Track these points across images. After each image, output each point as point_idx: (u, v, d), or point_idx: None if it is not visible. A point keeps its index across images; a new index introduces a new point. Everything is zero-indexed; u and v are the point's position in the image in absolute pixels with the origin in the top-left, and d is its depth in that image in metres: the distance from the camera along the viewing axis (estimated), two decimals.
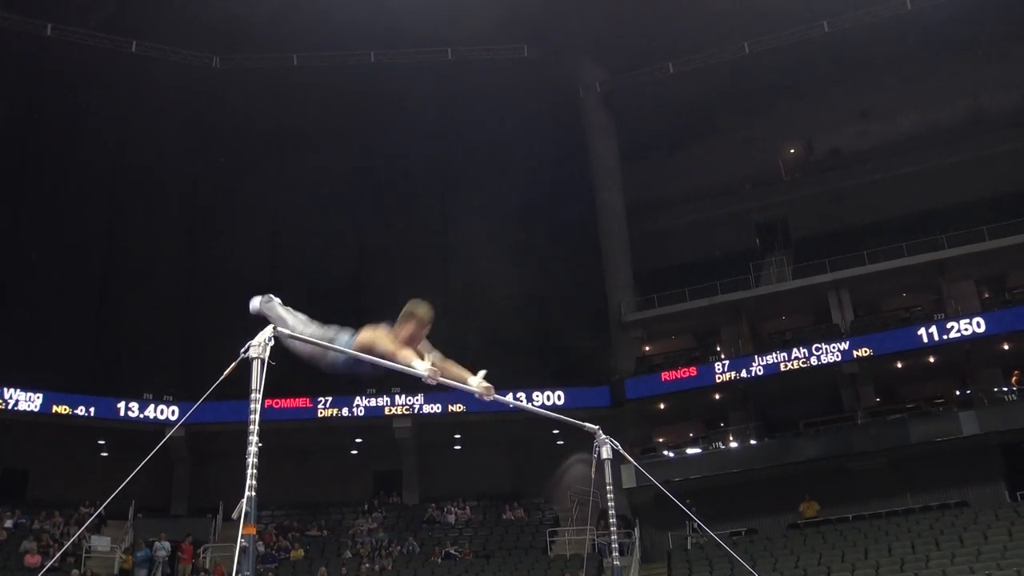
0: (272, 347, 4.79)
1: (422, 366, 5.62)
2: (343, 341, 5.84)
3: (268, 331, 4.82)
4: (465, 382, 6.01)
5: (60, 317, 29.99)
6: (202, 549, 25.03)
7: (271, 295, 6.24)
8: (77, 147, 30.85)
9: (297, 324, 5.96)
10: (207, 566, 24.09)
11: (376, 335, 5.79)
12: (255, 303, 6.21)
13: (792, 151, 35.92)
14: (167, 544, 24.75)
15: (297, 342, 5.46)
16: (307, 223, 32.71)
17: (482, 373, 6.05)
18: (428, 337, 5.99)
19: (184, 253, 32.77)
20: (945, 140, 32.30)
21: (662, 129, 34.55)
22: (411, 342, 5.82)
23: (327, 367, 6.00)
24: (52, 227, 30.39)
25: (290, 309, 6.15)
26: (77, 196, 31.10)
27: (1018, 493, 24.26)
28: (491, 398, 6.00)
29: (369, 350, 5.70)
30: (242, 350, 4.77)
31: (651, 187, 34.23)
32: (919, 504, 24.59)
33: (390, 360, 5.61)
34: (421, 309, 5.90)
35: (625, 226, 32.70)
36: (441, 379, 5.68)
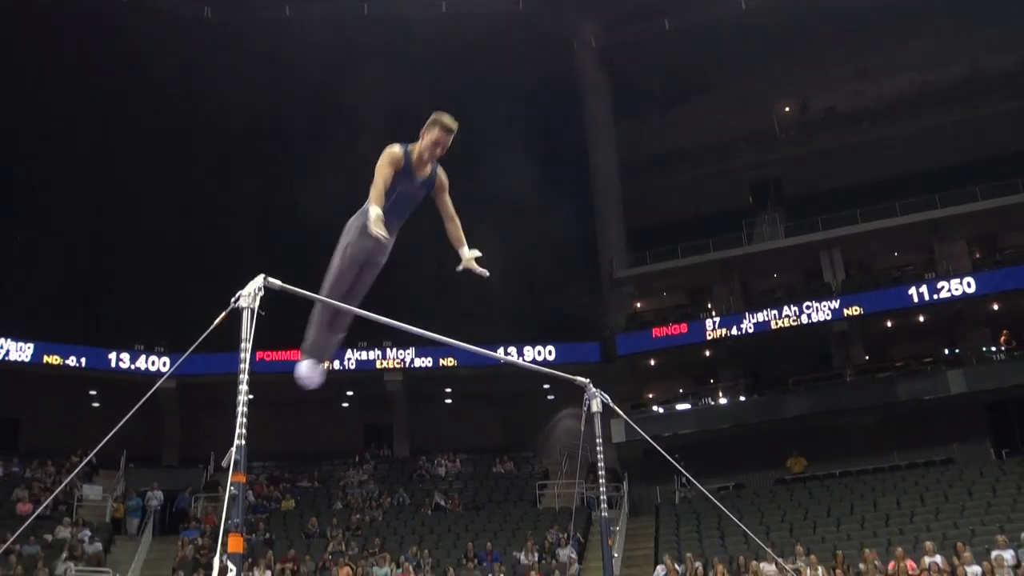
0: (263, 297, 4.78)
1: (374, 212, 5.49)
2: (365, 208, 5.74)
3: (258, 281, 4.81)
4: (458, 248, 5.99)
5: (51, 267, 29.91)
6: (192, 499, 25.18)
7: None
8: (67, 97, 30.56)
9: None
10: (198, 515, 24.24)
11: (383, 156, 5.72)
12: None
13: (787, 110, 35.76)
14: (159, 493, 24.90)
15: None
16: (301, 174, 32.51)
17: (475, 253, 6.03)
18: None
19: (176, 203, 32.60)
20: (940, 101, 32.15)
21: (657, 86, 34.36)
22: (432, 150, 5.76)
23: (370, 256, 5.95)
24: (41, 177, 30.17)
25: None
26: (66, 146, 30.86)
27: (1003, 451, 24.54)
28: (479, 272, 6.00)
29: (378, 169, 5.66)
30: (232, 300, 4.77)
31: (645, 144, 34.09)
32: (905, 461, 24.85)
33: (376, 182, 5.60)
34: (446, 117, 5.76)
35: (618, 183, 32.64)
36: (380, 233, 5.52)
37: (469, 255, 6.00)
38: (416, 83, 32.05)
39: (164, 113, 32.26)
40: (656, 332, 28.60)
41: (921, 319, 27.70)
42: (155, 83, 31.38)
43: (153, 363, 28.10)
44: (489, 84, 31.28)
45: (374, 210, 5.47)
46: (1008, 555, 16.47)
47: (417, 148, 5.76)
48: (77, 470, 10.71)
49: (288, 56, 31.44)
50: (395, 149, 5.73)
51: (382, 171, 5.66)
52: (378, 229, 5.39)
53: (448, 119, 5.73)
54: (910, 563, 16.96)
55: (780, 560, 16.57)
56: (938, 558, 16.82)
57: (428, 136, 5.72)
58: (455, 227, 6.04)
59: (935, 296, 26.27)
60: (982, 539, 17.94)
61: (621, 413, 9.08)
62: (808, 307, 27.08)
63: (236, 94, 32.27)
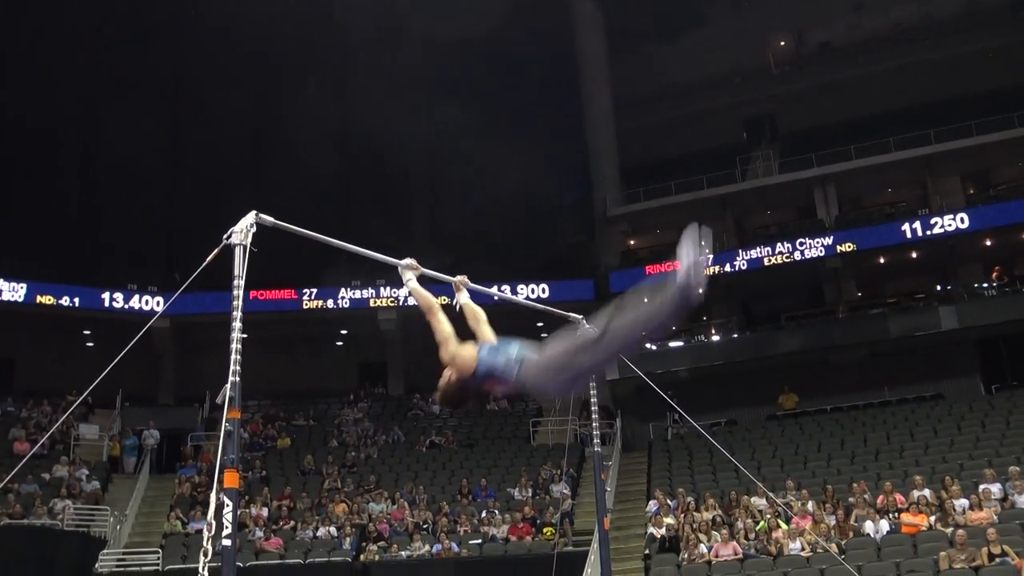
0: (255, 235, 4.76)
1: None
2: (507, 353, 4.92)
3: (250, 217, 4.80)
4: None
5: (43, 207, 29.75)
6: (189, 437, 25.35)
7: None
8: (54, 38, 30.14)
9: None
10: (194, 454, 24.42)
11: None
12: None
13: (782, 44, 35.39)
14: (156, 432, 25.04)
15: None
16: (292, 115, 32.22)
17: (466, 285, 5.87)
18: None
19: (167, 141, 32.33)
20: (937, 34, 31.87)
21: (650, 21, 33.92)
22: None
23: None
24: (30, 116, 29.85)
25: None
26: (55, 85, 30.52)
27: (993, 386, 24.73)
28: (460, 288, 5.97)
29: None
30: (224, 236, 4.75)
31: (638, 80, 33.77)
32: (896, 397, 25.05)
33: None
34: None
35: (611, 119, 32.41)
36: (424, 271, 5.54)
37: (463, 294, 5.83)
38: (405, 23, 31.71)
39: (152, 48, 31.83)
40: (650, 269, 28.58)
41: (914, 255, 27.76)
42: (143, 16, 30.90)
43: (147, 302, 28.05)
44: (480, 20, 30.85)
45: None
46: (995, 488, 16.67)
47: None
48: (72, 409, 10.75)
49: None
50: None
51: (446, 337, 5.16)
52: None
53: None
54: (899, 497, 17.17)
55: (771, 494, 16.77)
56: (927, 492, 17.02)
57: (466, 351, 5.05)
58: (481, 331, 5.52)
59: (928, 232, 26.28)
60: (970, 473, 18.14)
61: None
62: (801, 243, 27.08)
63: (224, 26, 31.77)
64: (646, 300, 4.35)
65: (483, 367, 4.81)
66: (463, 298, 5.53)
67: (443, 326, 5.18)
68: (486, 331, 5.34)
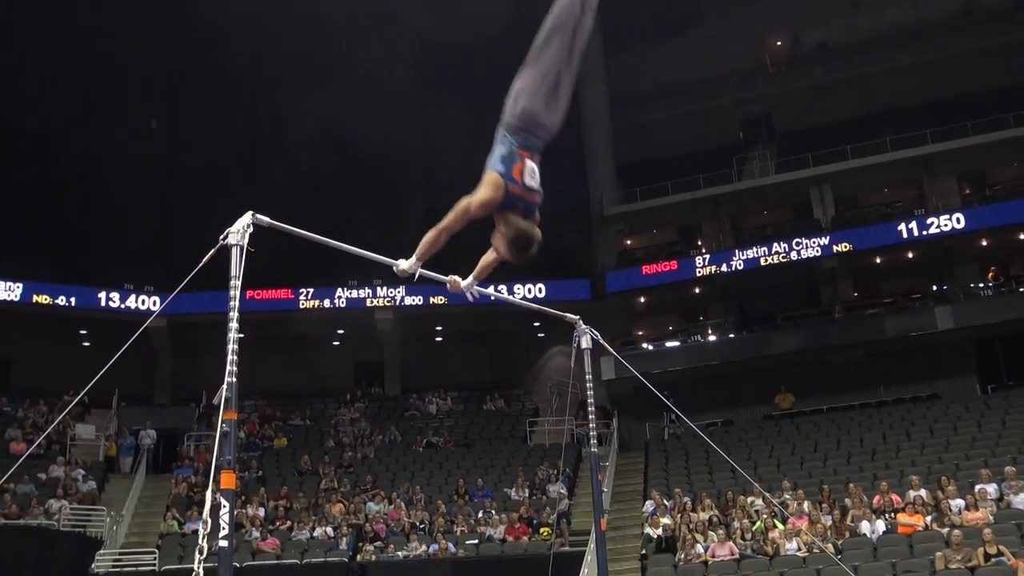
0: (253, 236, 4.76)
1: (405, 264, 5.45)
2: (502, 151, 5.22)
3: (247, 218, 4.79)
4: (473, 275, 5.80)
5: (39, 206, 29.69)
6: (185, 437, 25.33)
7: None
8: (50, 39, 30.07)
9: (544, 72, 5.23)
10: (191, 454, 24.41)
11: (480, 192, 5.16)
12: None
13: (779, 44, 35.40)
14: (152, 432, 25.01)
15: None
16: (289, 115, 32.17)
17: (476, 290, 5.96)
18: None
19: (163, 140, 32.28)
20: (934, 34, 31.89)
21: (648, 20, 33.92)
22: (497, 248, 5.34)
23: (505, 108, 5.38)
24: (27, 116, 29.80)
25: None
26: (51, 85, 30.47)
27: (989, 386, 24.76)
28: (453, 291, 5.97)
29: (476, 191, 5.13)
30: (221, 237, 4.75)
31: (635, 80, 33.81)
32: (892, 397, 25.10)
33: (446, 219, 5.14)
34: (531, 248, 5.26)
35: (608, 119, 32.42)
36: (422, 272, 5.58)
37: (469, 283, 5.88)
38: (403, 33, 31.67)
39: (148, 49, 31.80)
40: (646, 269, 28.64)
41: (910, 255, 27.77)
42: (139, 19, 30.87)
43: (143, 302, 28.05)
44: (475, 19, 30.84)
45: (404, 263, 5.39)
46: (991, 489, 16.69)
47: (500, 227, 5.23)
48: (69, 409, 10.74)
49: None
50: (495, 193, 5.09)
51: (462, 211, 5.11)
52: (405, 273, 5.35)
53: (532, 245, 5.23)
54: (895, 497, 17.18)
55: (767, 494, 16.78)
56: (923, 492, 17.04)
57: (498, 240, 5.27)
58: (487, 270, 5.73)
59: (924, 232, 26.31)
60: (966, 473, 18.16)
61: (611, 350, 9.14)
62: (798, 244, 27.11)
63: (221, 27, 31.75)
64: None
65: (497, 167, 5.11)
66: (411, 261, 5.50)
67: (456, 213, 5.13)
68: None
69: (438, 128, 32.57)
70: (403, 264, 5.44)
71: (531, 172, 5.26)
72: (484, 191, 5.05)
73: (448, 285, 5.91)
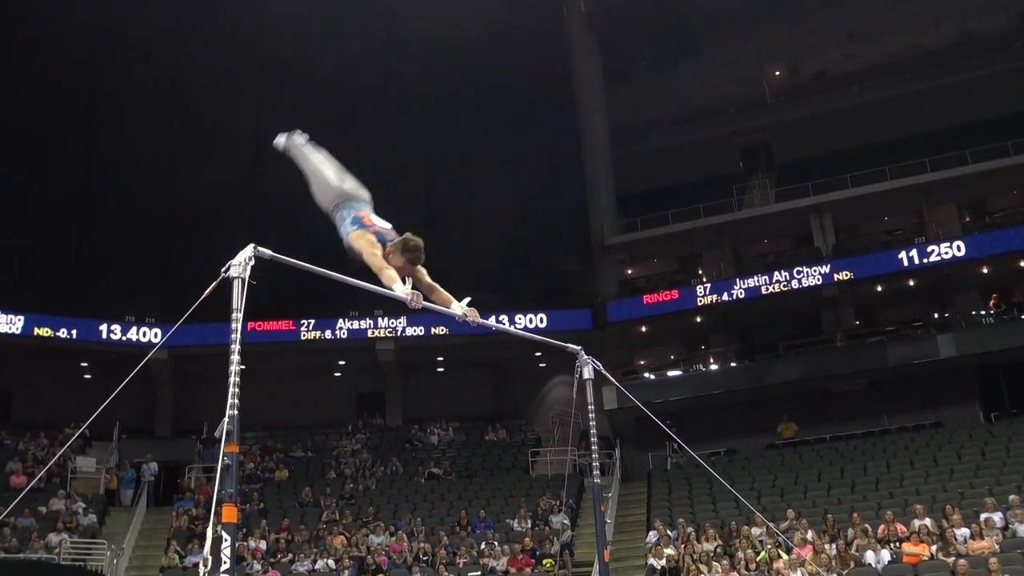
0: (253, 267, 4.76)
1: (401, 290, 5.63)
2: (347, 219, 6.27)
3: (248, 250, 4.80)
4: (449, 307, 6.05)
5: (40, 238, 29.77)
6: (187, 469, 25.23)
7: (298, 131, 6.76)
8: (55, 67, 30.27)
9: (320, 163, 6.64)
10: (191, 487, 24.30)
11: (364, 247, 5.92)
12: (280, 139, 6.90)
13: (777, 74, 35.64)
14: (154, 465, 24.92)
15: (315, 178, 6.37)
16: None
17: (466, 300, 6.07)
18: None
19: (165, 173, 32.37)
20: (931, 63, 32.12)
21: (646, 50, 34.17)
22: (405, 269, 5.89)
23: (326, 212, 6.50)
24: (28, 147, 29.95)
25: (317, 147, 6.76)
26: (53, 114, 30.61)
27: (992, 414, 24.68)
28: (476, 323, 6.05)
29: (359, 252, 5.92)
30: (223, 269, 4.75)
31: (635, 109, 33.97)
32: (895, 425, 25.01)
33: (374, 272, 5.73)
34: (417, 251, 5.95)
35: (608, 148, 32.53)
36: (424, 303, 5.68)
37: (463, 307, 6.14)
38: (403, 52, 31.88)
39: (152, 82, 32.00)
40: (647, 299, 28.62)
41: (911, 283, 27.77)
42: (141, 49, 31.07)
43: (144, 334, 28.02)
44: (478, 49, 31.07)
45: (400, 287, 5.72)
46: (997, 517, 16.60)
47: (388, 252, 5.97)
48: (70, 442, 10.70)
49: (276, 29, 31.18)
50: (371, 240, 5.98)
51: (376, 261, 5.86)
52: (415, 302, 5.70)
53: (418, 252, 5.97)
54: (900, 526, 17.09)
55: (771, 524, 16.69)
56: (927, 521, 16.94)
57: (395, 259, 5.93)
58: (440, 295, 6.20)
59: (925, 260, 26.31)
60: (971, 502, 18.07)
61: (613, 380, 9.13)
62: (799, 272, 27.11)
63: (223, 54, 31.98)
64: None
65: (351, 227, 6.25)
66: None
67: (375, 263, 5.90)
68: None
69: (440, 158, 32.70)
70: (397, 289, 5.70)
71: (375, 217, 6.30)
72: (363, 245, 5.95)
73: (470, 320, 6.16)
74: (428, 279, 6.14)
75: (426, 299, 5.92)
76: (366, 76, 32.90)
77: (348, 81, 33.14)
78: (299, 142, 6.65)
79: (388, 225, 6.23)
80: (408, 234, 6.05)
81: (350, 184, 6.45)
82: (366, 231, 6.00)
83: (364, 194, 6.45)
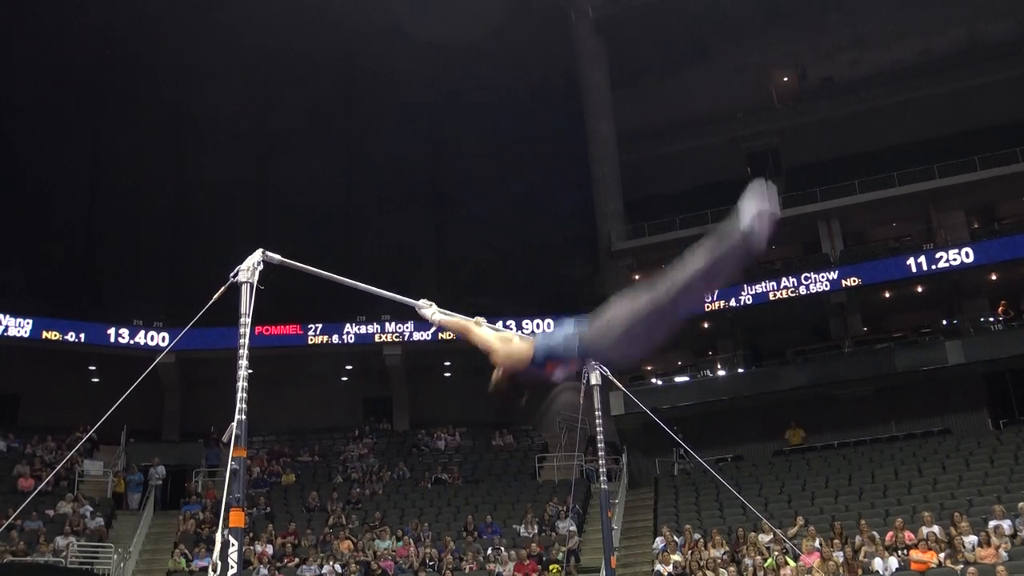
0: (261, 272, 4.77)
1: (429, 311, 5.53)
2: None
3: (257, 255, 4.80)
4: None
5: (49, 243, 29.86)
6: (193, 473, 25.26)
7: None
8: (63, 70, 30.38)
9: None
10: (199, 490, 24.33)
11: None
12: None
13: (785, 79, 35.60)
14: (162, 469, 24.95)
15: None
16: (297, 143, 32.30)
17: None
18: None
19: (172, 177, 32.46)
20: (939, 69, 32.07)
21: (654, 56, 34.19)
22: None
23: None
24: (36, 153, 30.04)
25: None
26: (62, 119, 30.72)
27: (1001, 421, 24.60)
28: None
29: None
30: (231, 274, 4.76)
31: (642, 115, 33.98)
32: (903, 432, 24.92)
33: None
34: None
35: (616, 154, 32.53)
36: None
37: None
38: (416, 56, 31.90)
39: (160, 87, 32.09)
40: None
41: (919, 290, 27.71)
42: (151, 56, 31.15)
43: (152, 338, 28.07)
44: (486, 55, 31.11)
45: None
46: (1006, 525, 16.54)
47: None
48: (79, 446, 10.72)
49: (283, 32, 31.26)
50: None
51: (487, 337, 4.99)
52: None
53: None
54: (908, 534, 17.04)
55: (778, 531, 16.64)
56: (936, 528, 16.89)
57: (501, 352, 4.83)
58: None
59: (933, 266, 26.26)
60: (979, 509, 18.01)
61: (620, 386, 9.12)
62: (806, 278, 27.06)
63: (229, 62, 32.06)
64: (709, 249, 4.20)
65: (540, 352, 4.59)
66: (436, 315, 5.52)
67: (487, 335, 4.96)
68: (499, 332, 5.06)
69: (448, 164, 32.72)
70: (427, 311, 5.47)
71: (562, 371, 4.68)
72: (506, 346, 4.81)
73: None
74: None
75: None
76: (373, 80, 32.96)
77: (355, 85, 33.21)
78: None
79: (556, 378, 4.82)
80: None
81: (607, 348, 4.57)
82: (527, 358, 4.65)
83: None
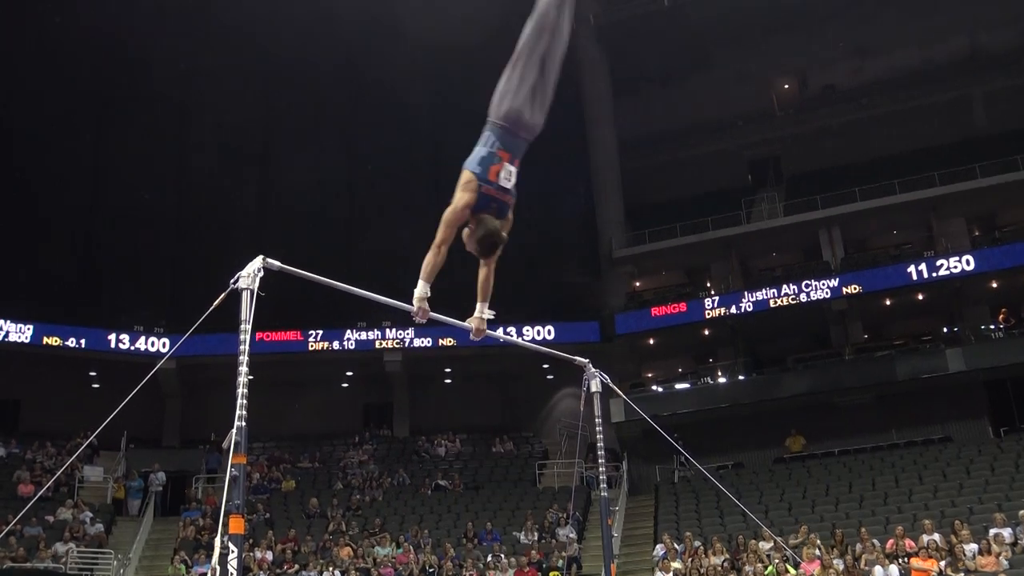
0: (262, 279, 4.78)
1: (416, 299, 5.46)
2: (481, 150, 5.54)
3: (257, 262, 4.82)
4: (480, 303, 5.83)
5: (50, 248, 29.86)
6: (194, 480, 25.25)
7: None
8: (63, 77, 30.39)
9: (525, 59, 5.69)
10: (199, 497, 24.31)
11: (457, 197, 5.38)
12: None
13: (786, 87, 35.64)
14: (162, 475, 24.95)
15: None
16: (297, 150, 32.29)
17: (489, 313, 5.93)
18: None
19: (173, 182, 32.46)
20: (940, 77, 32.10)
21: (655, 64, 34.22)
22: (470, 245, 5.47)
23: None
24: (39, 157, 30.06)
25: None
26: (63, 125, 30.72)
27: (1001, 429, 24.57)
28: (479, 337, 5.96)
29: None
30: (232, 281, 4.77)
31: (643, 122, 34.01)
32: (904, 439, 24.91)
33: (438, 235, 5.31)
34: (490, 242, 5.46)
35: (617, 161, 32.57)
36: (433, 315, 5.59)
37: (484, 314, 5.86)
38: (415, 65, 31.92)
39: (161, 94, 32.10)
40: (655, 311, 28.59)
41: (920, 297, 27.69)
42: (152, 61, 31.18)
43: (153, 344, 28.08)
44: (486, 61, 31.08)
45: (420, 289, 5.44)
46: (1006, 533, 16.53)
47: (473, 224, 5.44)
48: (79, 452, 10.74)
49: (283, 37, 31.29)
50: (470, 195, 5.35)
51: (440, 231, 5.35)
52: (421, 317, 5.42)
53: (489, 244, 5.47)
54: (908, 541, 17.02)
55: (778, 539, 16.63)
56: (936, 536, 16.88)
57: (471, 237, 5.46)
58: (488, 286, 5.81)
59: (934, 274, 26.25)
60: (980, 517, 18.00)
61: (620, 393, 9.12)
62: (807, 286, 27.06)
63: (229, 67, 32.08)
64: None
65: (473, 165, 5.36)
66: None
67: (445, 225, 5.38)
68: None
69: (447, 170, 32.64)
70: (417, 293, 5.50)
71: (507, 174, 5.47)
72: (460, 195, 5.27)
73: (473, 335, 5.92)
74: (490, 274, 5.76)
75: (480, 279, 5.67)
76: (372, 85, 32.93)
77: (355, 89, 33.19)
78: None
79: (511, 192, 5.58)
80: (503, 238, 5.52)
81: (533, 116, 5.60)
82: (475, 183, 5.34)
83: (526, 137, 5.65)
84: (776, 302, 27.25)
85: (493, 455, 28.02)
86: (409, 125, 32.71)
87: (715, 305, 28.03)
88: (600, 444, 7.68)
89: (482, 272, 5.71)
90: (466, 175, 5.35)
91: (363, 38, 31.60)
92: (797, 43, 33.32)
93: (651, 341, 29.49)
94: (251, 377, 4.77)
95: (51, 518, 21.51)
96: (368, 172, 32.68)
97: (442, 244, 5.34)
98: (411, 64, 31.65)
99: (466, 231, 5.43)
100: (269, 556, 20.27)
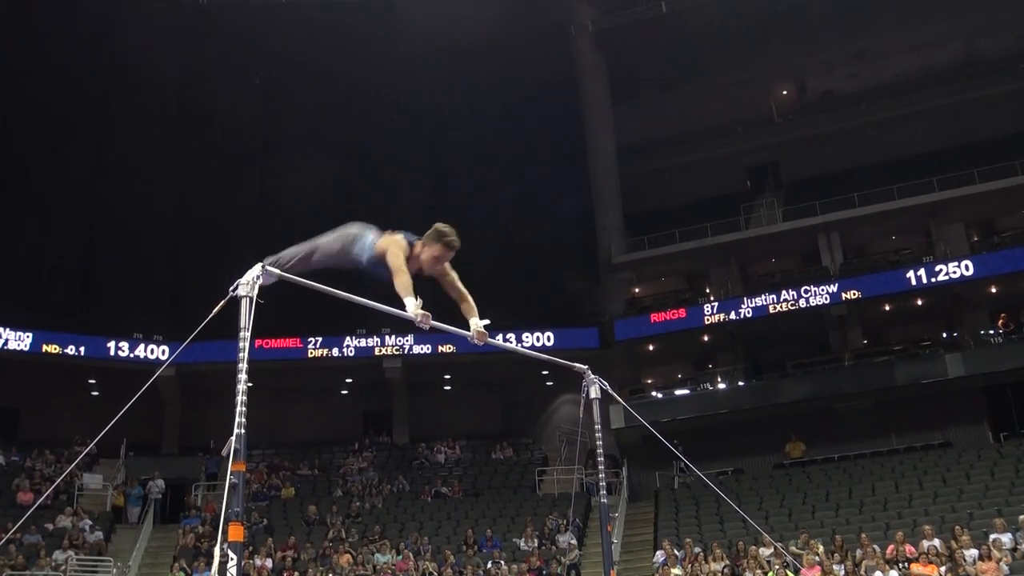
0: (261, 286, 4.78)
1: (412, 308, 5.48)
2: (367, 241, 5.85)
3: (256, 269, 4.82)
4: (468, 319, 5.98)
5: (50, 256, 29.85)
6: (193, 487, 25.22)
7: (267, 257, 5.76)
8: (64, 83, 30.42)
9: (312, 245, 5.95)
10: (198, 504, 24.28)
11: (390, 245, 5.69)
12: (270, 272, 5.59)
13: (784, 93, 35.68)
14: (161, 483, 24.92)
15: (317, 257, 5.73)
16: (297, 156, 32.33)
17: (484, 322, 5.99)
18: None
19: (173, 190, 32.46)
20: (938, 83, 32.16)
21: (654, 70, 34.28)
22: (433, 264, 5.79)
23: (351, 264, 5.93)
24: (40, 165, 30.07)
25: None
26: (64, 134, 30.75)
27: (1001, 434, 24.58)
28: (483, 343, 6.00)
29: (382, 258, 5.67)
30: (231, 288, 4.77)
31: (642, 128, 34.05)
32: (903, 445, 24.91)
33: (392, 276, 5.53)
34: (451, 236, 5.78)
35: (616, 167, 32.59)
36: (433, 323, 5.61)
37: (479, 326, 5.99)
38: (415, 71, 31.98)
39: (161, 100, 32.14)
40: (654, 317, 28.58)
41: (919, 303, 27.70)
42: (152, 71, 31.23)
43: (152, 352, 28.07)
44: (486, 69, 31.17)
45: (411, 303, 5.48)
46: (1006, 538, 16.52)
47: (417, 251, 5.78)
48: (79, 460, 10.72)
49: (282, 43, 31.37)
50: (400, 239, 5.75)
51: (398, 261, 5.62)
52: (424, 323, 5.49)
53: (453, 237, 5.78)
54: (909, 547, 17.01)
55: (778, 545, 16.62)
56: (936, 542, 16.87)
57: (429, 250, 5.76)
58: (468, 305, 6.05)
59: (933, 279, 26.26)
60: (980, 523, 17.98)
61: (619, 399, 9.10)
62: (806, 291, 27.07)
63: (233, 79, 32.17)
64: (332, 250, 5.86)
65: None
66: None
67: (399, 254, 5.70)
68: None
69: (447, 177, 32.73)
70: (408, 308, 5.51)
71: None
72: (388, 244, 5.73)
73: (475, 339, 6.03)
74: (460, 284, 6.03)
75: (457, 305, 5.94)
76: (372, 93, 32.99)
77: (355, 96, 33.23)
78: (286, 256, 5.75)
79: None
80: (442, 224, 5.87)
81: (355, 228, 6.08)
82: (393, 234, 5.81)
83: (371, 227, 6.09)
84: (775, 308, 27.26)
85: (493, 462, 28.00)
86: (409, 132, 32.77)
87: (714, 311, 28.03)
88: (600, 450, 7.68)
89: (450, 291, 6.01)
90: (381, 241, 5.85)
91: (363, 39, 31.61)
92: (796, 49, 33.39)
93: (650, 347, 29.49)
94: (250, 384, 4.76)
95: (50, 526, 21.48)
96: (368, 176, 32.69)
97: (400, 269, 5.60)
98: (411, 64, 31.69)
99: (427, 254, 5.83)
100: (269, 564, 20.24)
